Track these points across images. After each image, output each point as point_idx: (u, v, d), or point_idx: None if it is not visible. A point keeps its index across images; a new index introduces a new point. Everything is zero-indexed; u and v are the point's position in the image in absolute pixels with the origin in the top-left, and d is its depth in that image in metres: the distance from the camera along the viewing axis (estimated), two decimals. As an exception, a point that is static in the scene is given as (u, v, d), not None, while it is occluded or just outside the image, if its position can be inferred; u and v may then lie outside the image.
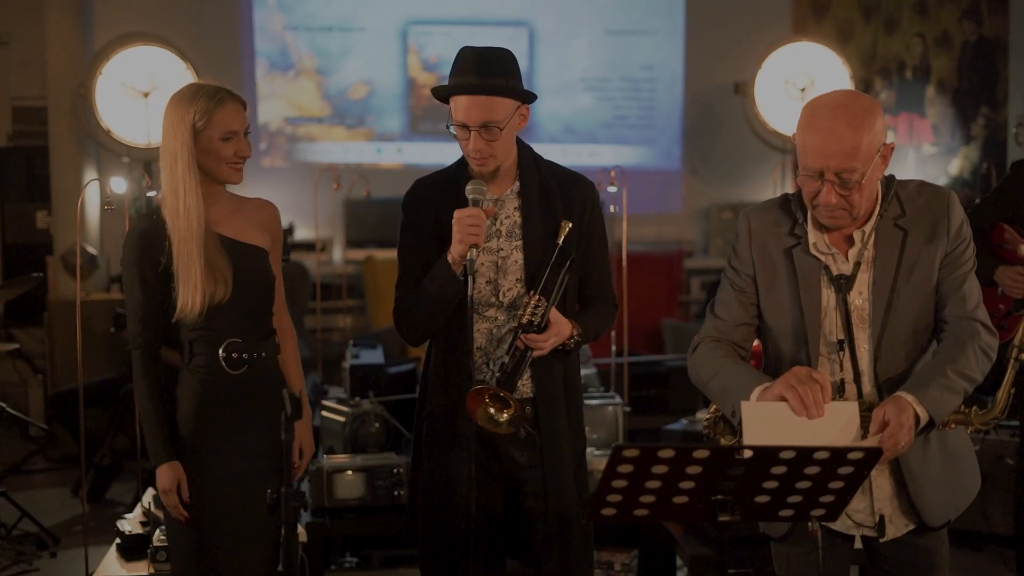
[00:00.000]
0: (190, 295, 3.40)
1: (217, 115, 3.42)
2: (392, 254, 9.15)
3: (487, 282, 3.49)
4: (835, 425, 2.80)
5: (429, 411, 3.58)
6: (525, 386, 3.52)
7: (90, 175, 8.42)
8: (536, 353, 3.41)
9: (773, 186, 7.81)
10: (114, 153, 7.64)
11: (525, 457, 3.52)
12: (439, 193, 3.54)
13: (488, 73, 3.40)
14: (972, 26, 10.21)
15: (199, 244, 3.40)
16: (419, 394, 3.68)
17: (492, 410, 3.32)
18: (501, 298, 3.50)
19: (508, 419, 3.31)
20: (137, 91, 6.86)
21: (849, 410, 2.84)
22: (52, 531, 6.16)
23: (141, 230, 3.49)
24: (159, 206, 3.49)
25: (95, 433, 6.93)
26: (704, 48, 9.98)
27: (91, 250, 8.16)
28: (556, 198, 3.53)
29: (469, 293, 3.36)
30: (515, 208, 3.53)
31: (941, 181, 9.94)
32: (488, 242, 3.49)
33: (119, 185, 6.27)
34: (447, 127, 3.47)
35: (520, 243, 3.51)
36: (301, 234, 9.03)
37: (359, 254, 9.14)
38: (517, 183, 3.55)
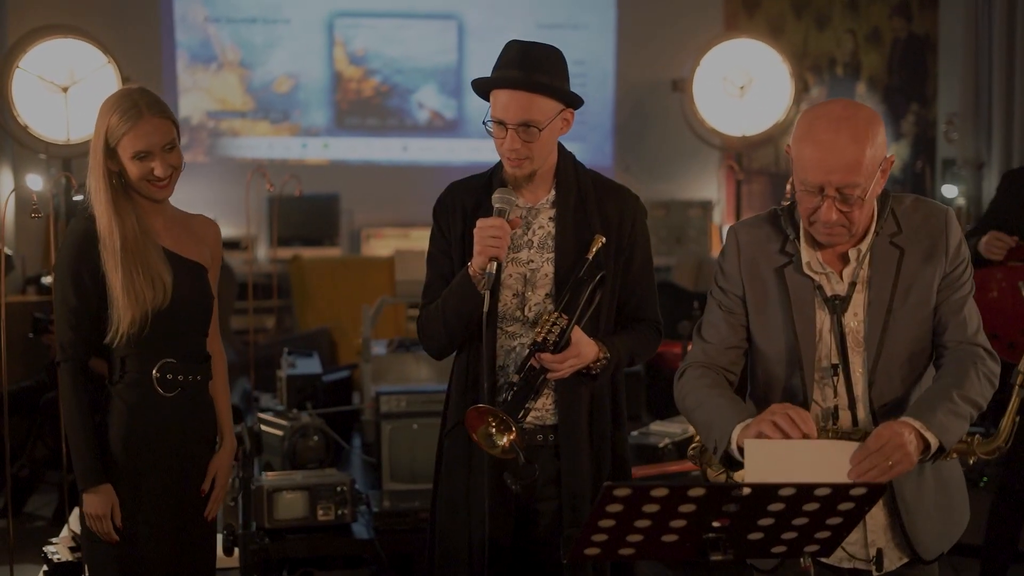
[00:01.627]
0: (119, 312, 3.22)
1: (129, 135, 3.23)
2: (320, 252, 9.07)
3: (514, 295, 3.27)
4: (838, 462, 2.67)
5: (449, 429, 3.37)
6: (548, 412, 3.30)
7: (4, 172, 8.12)
8: (552, 375, 3.17)
9: (716, 185, 7.73)
10: (31, 150, 7.33)
11: (542, 486, 3.31)
12: (472, 196, 3.32)
13: (533, 69, 3.18)
14: (902, 23, 10.31)
15: (116, 256, 3.23)
16: (443, 410, 3.46)
17: (493, 430, 3.11)
18: (527, 312, 3.28)
19: (507, 444, 3.10)
20: (56, 85, 6.54)
21: (852, 448, 2.70)
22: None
23: (82, 231, 3.29)
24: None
25: (13, 443, 6.64)
26: (635, 43, 9.99)
27: (7, 251, 7.84)
28: (594, 210, 3.30)
29: (485, 309, 3.14)
30: (549, 218, 3.30)
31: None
32: (518, 252, 3.27)
33: (35, 183, 6.02)
34: (483, 123, 3.23)
35: (552, 255, 3.27)
36: (225, 232, 8.73)
37: (286, 252, 8.96)
38: (553, 192, 3.32)
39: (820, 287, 2.84)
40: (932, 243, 2.83)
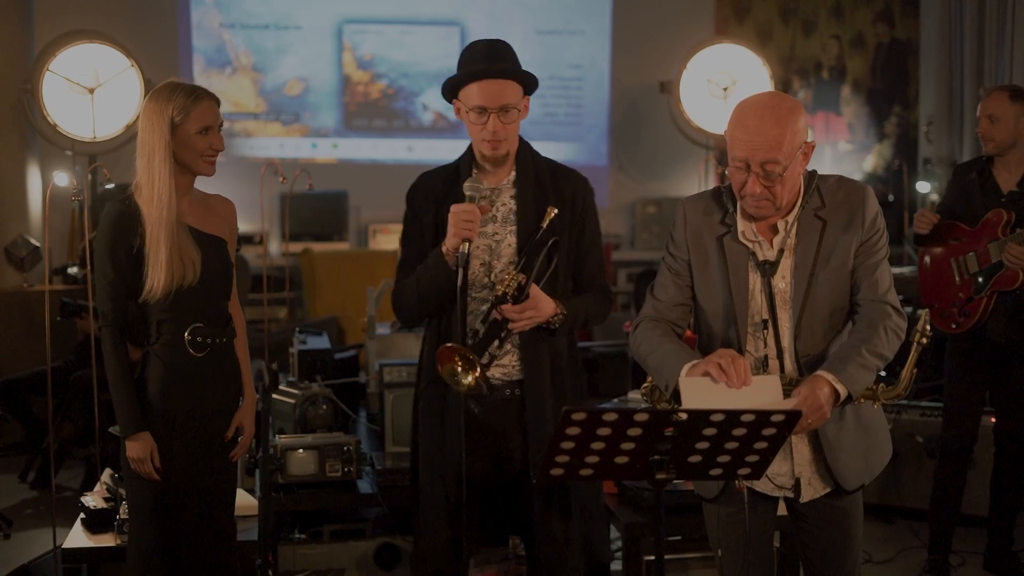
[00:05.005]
0: (156, 277, 3.65)
1: (194, 111, 3.68)
2: (329, 246, 9.39)
3: (481, 264, 3.70)
4: (760, 395, 3.08)
5: (423, 388, 3.81)
6: (515, 368, 3.74)
7: (32, 169, 8.52)
8: (513, 326, 3.60)
9: (698, 181, 8.12)
10: (58, 147, 7.75)
11: (512, 432, 3.73)
12: (441, 184, 3.77)
13: (502, 59, 3.64)
14: (885, 28, 10.57)
15: (168, 231, 3.65)
16: (417, 372, 3.91)
17: (459, 369, 3.56)
18: (493, 279, 3.70)
19: (472, 382, 3.55)
20: (83, 87, 6.99)
21: (772, 382, 3.12)
22: (4, 514, 6.30)
23: (117, 213, 3.71)
24: (132, 193, 3.72)
25: (42, 420, 7.08)
26: (630, 48, 10.25)
27: (34, 242, 8.28)
28: (549, 189, 3.75)
29: (459, 284, 3.56)
30: (511, 196, 3.75)
31: (856, 177, 10.20)
32: (484, 227, 3.69)
33: (62, 179, 6.45)
34: (464, 112, 3.65)
35: (514, 228, 3.72)
36: (239, 228, 9.14)
37: (296, 247, 9.29)
38: (514, 173, 3.77)
39: (753, 253, 3.26)
40: (851, 215, 3.24)
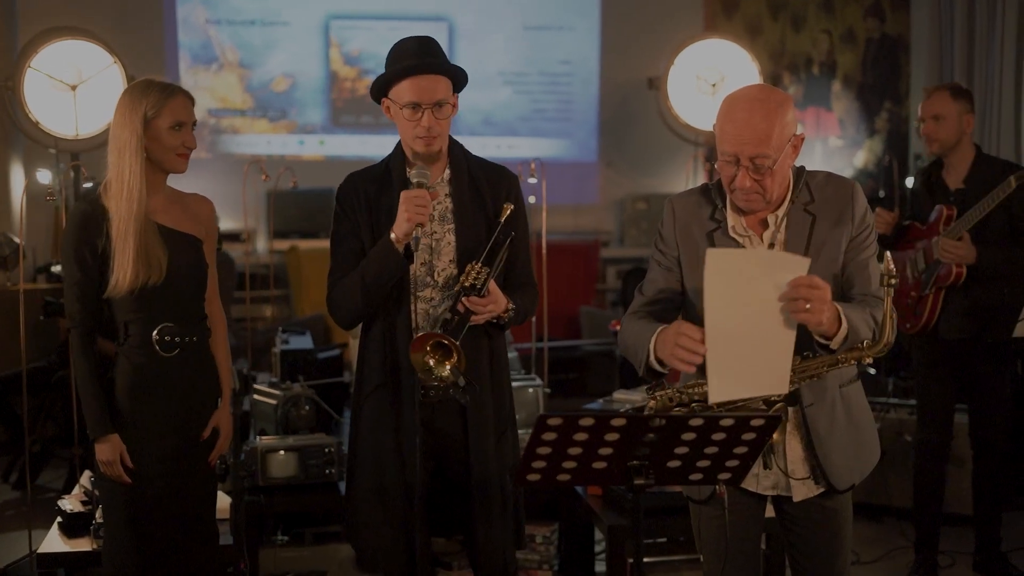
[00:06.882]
0: (122, 272, 3.61)
1: (168, 106, 3.65)
2: (316, 244, 9.34)
3: (422, 264, 3.67)
4: (780, 275, 2.99)
5: (368, 392, 3.74)
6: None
7: (15, 167, 8.47)
8: (474, 319, 3.58)
9: (686, 178, 8.08)
10: (41, 144, 7.69)
11: (456, 432, 3.71)
12: (372, 184, 3.72)
13: (433, 55, 3.62)
14: (876, 23, 10.55)
15: (136, 227, 3.61)
16: (356, 376, 3.85)
17: (432, 361, 3.51)
18: (436, 277, 3.68)
19: (450, 368, 3.51)
20: (65, 84, 6.92)
21: (800, 263, 3.02)
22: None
23: (82, 212, 3.69)
24: (100, 192, 3.68)
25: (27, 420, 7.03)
26: (619, 44, 10.22)
27: (17, 240, 8.21)
28: (484, 185, 3.74)
29: (413, 271, 3.57)
30: (446, 194, 3.73)
31: (847, 173, 10.28)
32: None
33: (45, 176, 6.40)
34: (396, 110, 3.62)
35: (452, 226, 3.70)
36: (225, 225, 9.08)
37: (283, 244, 9.26)
38: (448, 171, 3.75)
39: (743, 248, 3.25)
40: (840, 211, 3.22)
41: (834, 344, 3.05)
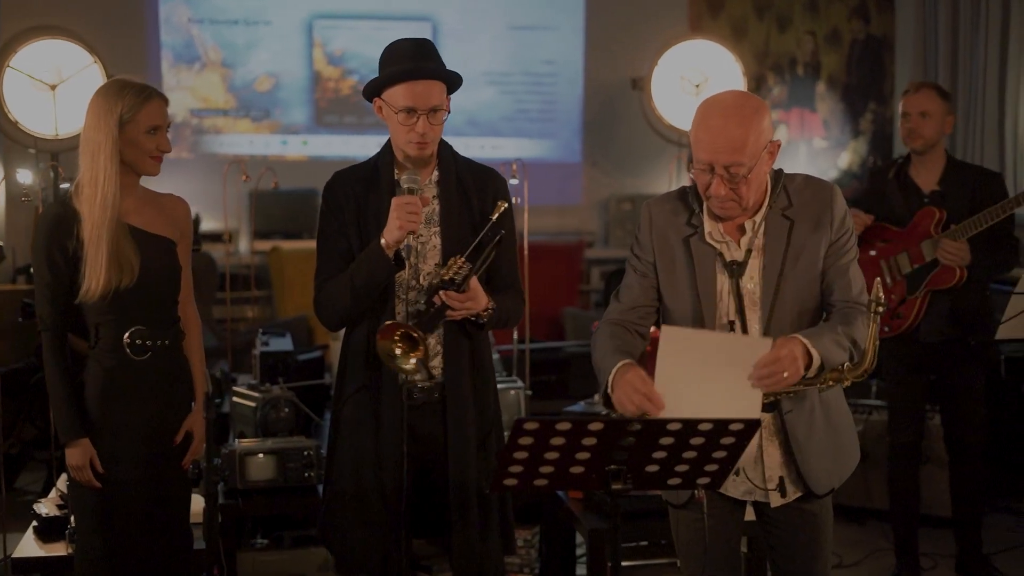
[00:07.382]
0: (94, 278, 3.57)
1: (144, 110, 3.60)
2: (299, 244, 9.31)
3: (407, 267, 3.62)
4: (739, 358, 3.00)
5: (350, 394, 3.71)
6: (436, 369, 3.66)
7: (-5, 166, 8.42)
8: (450, 314, 3.54)
9: (669, 179, 8.06)
10: (20, 144, 7.65)
11: (437, 435, 3.68)
12: (360, 183, 3.68)
13: (430, 59, 3.57)
14: (860, 24, 10.53)
15: (109, 231, 3.57)
16: (337, 378, 3.81)
17: (398, 352, 3.48)
18: (421, 281, 3.64)
19: (416, 360, 3.47)
20: (45, 84, 6.88)
21: (763, 346, 3.02)
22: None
23: (53, 215, 3.65)
24: (72, 194, 3.64)
25: (3, 423, 6.97)
26: (603, 44, 10.17)
27: (-2, 242, 8.16)
28: (471, 187, 3.69)
29: (405, 277, 3.53)
30: (434, 196, 3.68)
31: (831, 174, 10.29)
32: None
33: (25, 176, 6.34)
34: (389, 112, 3.56)
35: (439, 229, 3.66)
36: (207, 225, 9.06)
37: (265, 245, 9.20)
38: (436, 172, 3.71)
39: (721, 254, 3.21)
40: (819, 215, 3.20)
41: (809, 374, 3.05)
